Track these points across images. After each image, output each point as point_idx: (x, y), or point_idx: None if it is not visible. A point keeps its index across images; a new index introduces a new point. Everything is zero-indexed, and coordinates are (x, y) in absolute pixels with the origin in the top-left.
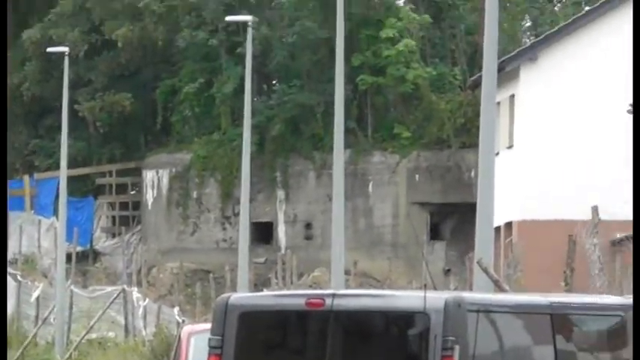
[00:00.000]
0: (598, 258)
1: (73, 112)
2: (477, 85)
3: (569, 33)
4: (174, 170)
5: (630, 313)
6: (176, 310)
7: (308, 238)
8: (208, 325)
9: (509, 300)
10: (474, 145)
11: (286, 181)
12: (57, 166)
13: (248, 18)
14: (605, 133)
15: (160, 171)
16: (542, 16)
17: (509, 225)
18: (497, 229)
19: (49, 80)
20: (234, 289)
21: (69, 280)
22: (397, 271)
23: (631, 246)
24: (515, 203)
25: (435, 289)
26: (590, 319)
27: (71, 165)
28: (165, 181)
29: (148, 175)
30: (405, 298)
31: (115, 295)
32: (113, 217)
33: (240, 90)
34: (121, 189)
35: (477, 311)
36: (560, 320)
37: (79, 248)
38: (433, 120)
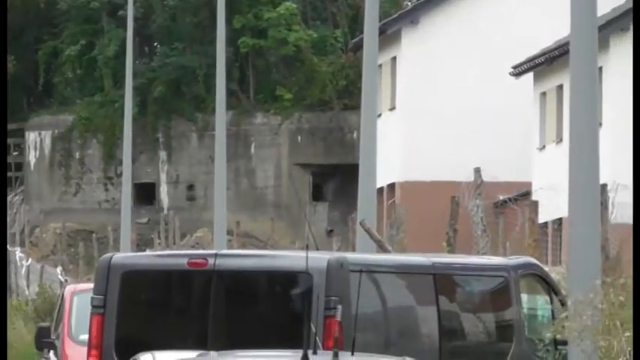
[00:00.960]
0: (481, 219)
1: None
2: (359, 47)
3: None
4: (56, 132)
5: (513, 274)
6: (59, 269)
7: (190, 199)
8: (91, 285)
9: (392, 260)
10: (356, 107)
11: (168, 143)
12: None
13: None
14: (487, 96)
15: (43, 132)
16: None
17: (391, 186)
18: (380, 190)
19: None
20: (117, 249)
21: None
22: (280, 231)
23: (514, 207)
24: (398, 165)
25: (317, 249)
26: (474, 280)
27: None
28: (47, 142)
29: (31, 137)
30: (288, 258)
31: None
32: None
33: (121, 52)
34: None
35: (360, 271)
36: (442, 280)
37: None
38: (315, 82)
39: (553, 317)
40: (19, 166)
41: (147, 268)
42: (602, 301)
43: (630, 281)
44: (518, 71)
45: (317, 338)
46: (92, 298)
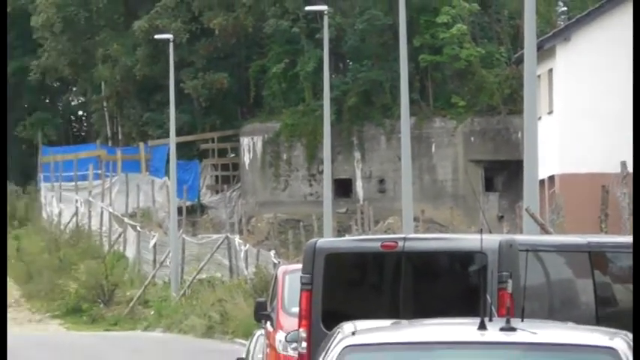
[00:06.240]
0: (628, 205)
1: (178, 90)
2: (520, 61)
3: (598, 15)
4: (266, 137)
5: None
6: (272, 253)
7: (381, 191)
8: (300, 266)
9: (554, 240)
10: (519, 111)
11: (362, 144)
12: (167, 135)
13: (324, 8)
14: (630, 100)
15: (255, 137)
16: (574, 1)
17: (551, 178)
18: (542, 181)
19: (157, 63)
20: (320, 235)
21: (181, 230)
22: (458, 218)
23: None
24: (556, 160)
25: (490, 232)
26: (624, 256)
27: (179, 133)
28: (259, 145)
29: (245, 141)
30: (466, 240)
31: (220, 242)
32: (216, 177)
33: (319, 69)
34: (222, 153)
35: (527, 250)
36: (597, 257)
37: (188, 203)
38: (484, 91)
39: None
40: (236, 167)
41: (346, 251)
42: None
43: None
44: None
45: (492, 307)
46: (301, 276)
